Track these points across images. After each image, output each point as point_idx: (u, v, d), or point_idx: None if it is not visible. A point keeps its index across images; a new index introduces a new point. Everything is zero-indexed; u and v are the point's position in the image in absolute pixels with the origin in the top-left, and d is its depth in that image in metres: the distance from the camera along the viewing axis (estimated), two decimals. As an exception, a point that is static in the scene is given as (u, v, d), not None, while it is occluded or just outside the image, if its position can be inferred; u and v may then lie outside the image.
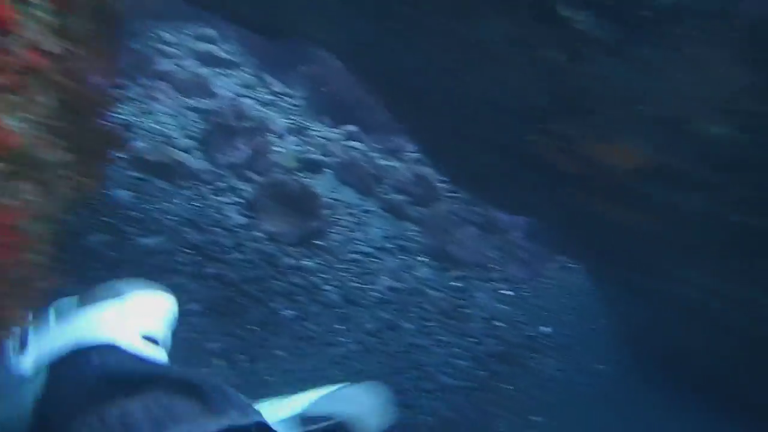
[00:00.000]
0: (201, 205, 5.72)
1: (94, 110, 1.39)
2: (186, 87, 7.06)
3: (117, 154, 5.02)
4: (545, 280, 7.01)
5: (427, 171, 6.96)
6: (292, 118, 7.66)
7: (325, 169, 6.96)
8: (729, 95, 2.21)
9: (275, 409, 1.24)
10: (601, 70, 2.36)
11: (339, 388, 1.35)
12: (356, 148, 7.41)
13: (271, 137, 6.95)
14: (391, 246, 6.56)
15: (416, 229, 6.87)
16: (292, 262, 5.74)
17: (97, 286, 1.27)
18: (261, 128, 6.74)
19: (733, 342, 4.24)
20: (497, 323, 6.27)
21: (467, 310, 6.26)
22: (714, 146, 2.39)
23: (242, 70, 8.19)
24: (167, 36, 7.93)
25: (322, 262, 5.96)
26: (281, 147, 6.95)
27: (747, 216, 2.63)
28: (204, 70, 7.66)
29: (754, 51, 2.10)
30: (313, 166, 6.86)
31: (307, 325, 5.23)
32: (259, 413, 1.02)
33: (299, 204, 6.12)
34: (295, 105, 7.98)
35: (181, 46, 7.83)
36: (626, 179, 2.79)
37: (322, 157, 7.02)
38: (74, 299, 1.24)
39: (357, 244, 6.38)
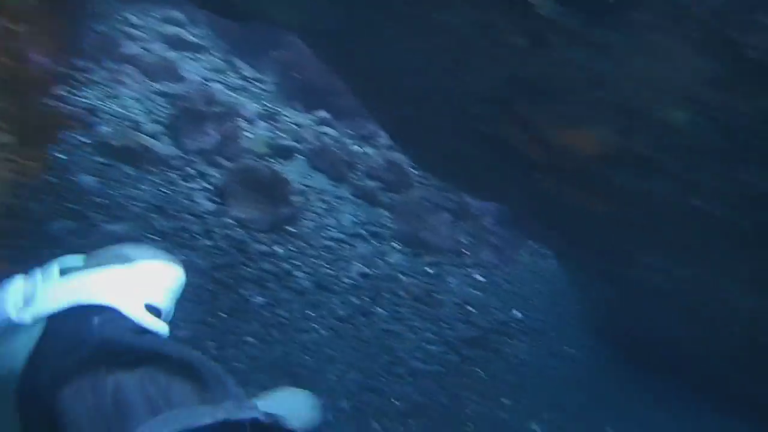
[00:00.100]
0: (169, 191, 5.63)
1: (38, 90, 1.34)
2: (153, 71, 6.92)
3: (68, 136, 4.92)
4: (517, 265, 7.06)
5: (400, 157, 6.94)
6: (263, 103, 7.57)
7: (296, 155, 6.90)
8: (690, 82, 2.23)
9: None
10: (564, 56, 2.36)
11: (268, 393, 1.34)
12: (328, 134, 7.35)
13: (242, 123, 6.87)
14: (364, 232, 6.55)
15: (389, 215, 6.86)
16: (263, 248, 5.69)
17: (105, 249, 1.23)
18: (231, 113, 6.65)
19: (695, 324, 4.32)
20: (469, 308, 6.31)
21: (439, 296, 6.28)
22: (675, 132, 2.41)
23: (211, 54, 8.06)
24: (133, 18, 7.75)
25: (294, 249, 5.92)
26: (252, 132, 6.87)
27: (707, 201, 2.67)
28: (172, 54, 7.51)
29: (714, 39, 2.11)
30: (284, 152, 6.80)
31: (278, 312, 5.20)
32: (255, 407, 0.99)
33: (270, 190, 6.06)
34: (265, 90, 7.89)
35: (147, 29, 7.67)
36: (590, 165, 2.80)
37: (293, 143, 6.96)
38: (80, 258, 1.20)
39: (329, 230, 6.35)
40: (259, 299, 5.21)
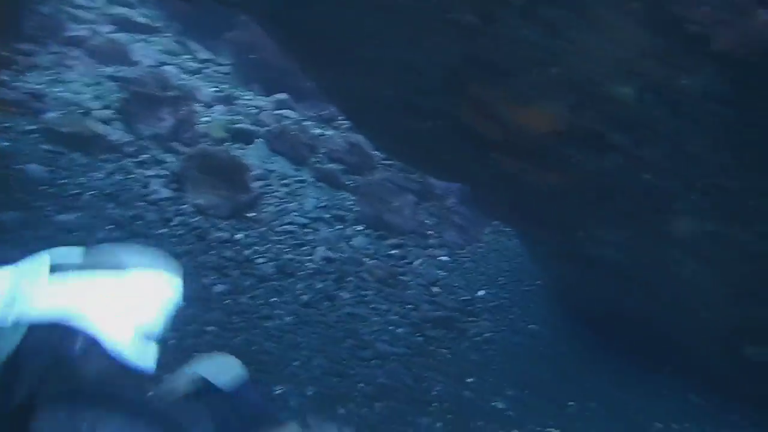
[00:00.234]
0: (123, 179, 5.47)
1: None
2: (103, 54, 6.69)
3: (13, 123, 4.73)
4: (481, 244, 7.07)
5: (362, 139, 6.86)
6: (220, 86, 7.39)
7: (256, 139, 6.76)
8: (635, 58, 2.22)
9: None
10: (514, 33, 2.32)
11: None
12: (288, 117, 7.23)
13: (198, 107, 6.70)
14: (327, 216, 6.47)
15: (352, 198, 6.79)
16: (224, 235, 5.58)
17: (100, 248, 1.18)
18: (186, 97, 6.47)
19: (651, 297, 4.39)
20: (434, 289, 6.31)
21: (404, 278, 6.26)
22: (624, 107, 2.40)
23: (164, 36, 7.83)
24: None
25: (255, 235, 5.83)
26: (209, 117, 6.71)
27: (657, 175, 2.68)
28: (121, 36, 7.27)
29: (656, 14, 2.10)
30: (243, 136, 6.66)
31: (240, 299, 5.12)
32: None
33: (229, 175, 5.93)
34: (222, 73, 7.70)
35: (94, 10, 7.39)
36: (544, 142, 2.78)
37: (252, 127, 6.82)
38: (74, 252, 1.14)
39: (291, 215, 6.26)
40: (221, 287, 5.12)
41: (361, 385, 4.73)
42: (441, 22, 2.47)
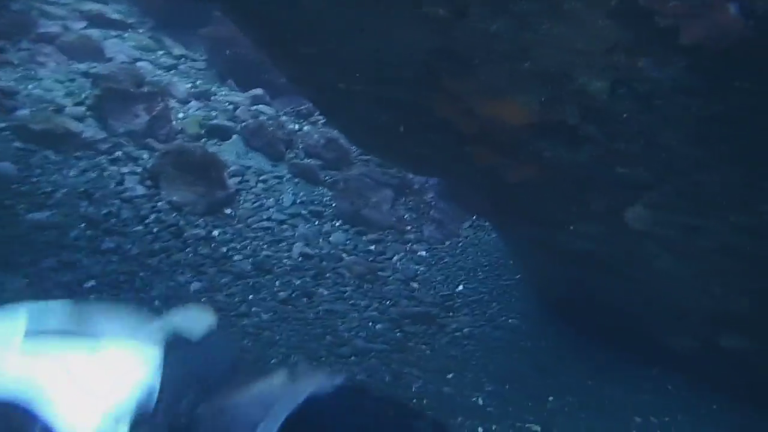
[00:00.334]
0: (97, 176, 5.39)
1: None
2: (75, 50, 6.59)
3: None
4: (459, 239, 7.08)
5: (339, 134, 6.83)
6: (195, 82, 7.32)
7: (232, 135, 6.70)
8: (606, 51, 2.23)
9: None
10: (486, 26, 2.32)
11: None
12: (264, 113, 7.17)
13: (173, 103, 6.62)
14: (305, 212, 6.44)
15: (330, 193, 6.76)
16: (200, 232, 5.53)
17: (78, 308, 1.09)
18: (161, 93, 6.38)
19: (631, 291, 4.43)
20: (413, 284, 6.31)
21: (383, 273, 6.26)
22: (596, 101, 2.41)
23: (137, 32, 7.73)
24: (51, -5, 7.34)
25: (232, 232, 5.78)
26: (184, 113, 6.64)
27: (631, 168, 2.70)
28: (94, 32, 7.16)
29: (626, 7, 2.11)
30: (219, 132, 6.59)
31: (217, 297, 5.08)
32: None
33: (205, 172, 5.87)
34: (197, 68, 7.62)
35: (66, 6, 7.27)
36: (518, 135, 2.79)
37: (228, 123, 6.75)
38: (51, 310, 1.07)
39: (268, 211, 6.22)
40: (197, 285, 5.08)
41: (340, 381, 4.71)
42: (413, 17, 2.46)
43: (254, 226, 5.99)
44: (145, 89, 6.19)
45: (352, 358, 4.98)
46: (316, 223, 6.40)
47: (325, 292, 5.73)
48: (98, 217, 5.08)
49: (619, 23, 2.19)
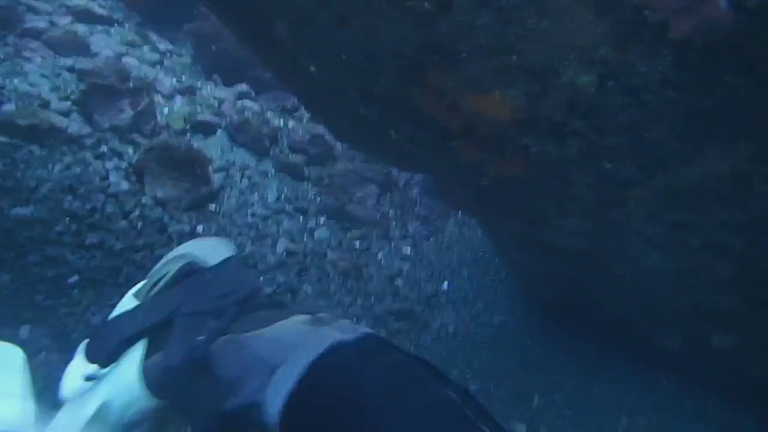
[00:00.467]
0: (81, 171, 5.35)
1: None
2: (61, 45, 6.53)
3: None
4: (445, 235, 7.12)
5: (324, 130, 6.83)
6: (180, 77, 7.28)
7: (217, 131, 6.68)
8: (594, 45, 2.25)
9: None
10: (472, 20, 2.33)
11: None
12: (249, 108, 7.15)
13: (158, 98, 6.58)
14: (289, 208, 6.44)
15: (315, 189, 6.76)
16: (184, 228, 5.51)
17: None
18: (146, 88, 6.35)
19: (617, 287, 4.46)
20: (398, 281, 6.33)
21: (368, 270, 6.27)
22: (584, 96, 2.44)
23: (123, 27, 7.68)
24: (36, -11, 7.26)
25: (216, 228, 5.77)
26: (169, 108, 6.60)
27: (619, 163, 2.73)
28: (80, 27, 7.10)
29: (612, 1, 2.14)
30: (204, 127, 6.58)
31: (201, 293, 5.05)
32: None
33: (190, 167, 5.85)
34: (182, 64, 7.58)
35: (52, 1, 7.21)
36: (504, 131, 2.81)
37: (213, 118, 6.73)
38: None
39: (253, 207, 6.21)
40: (181, 280, 5.05)
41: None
42: (398, 10, 2.47)
43: (238, 221, 5.97)
44: (131, 84, 6.15)
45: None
46: (301, 219, 6.40)
47: (310, 289, 5.74)
48: (83, 212, 5.05)
49: (606, 16, 2.21)
